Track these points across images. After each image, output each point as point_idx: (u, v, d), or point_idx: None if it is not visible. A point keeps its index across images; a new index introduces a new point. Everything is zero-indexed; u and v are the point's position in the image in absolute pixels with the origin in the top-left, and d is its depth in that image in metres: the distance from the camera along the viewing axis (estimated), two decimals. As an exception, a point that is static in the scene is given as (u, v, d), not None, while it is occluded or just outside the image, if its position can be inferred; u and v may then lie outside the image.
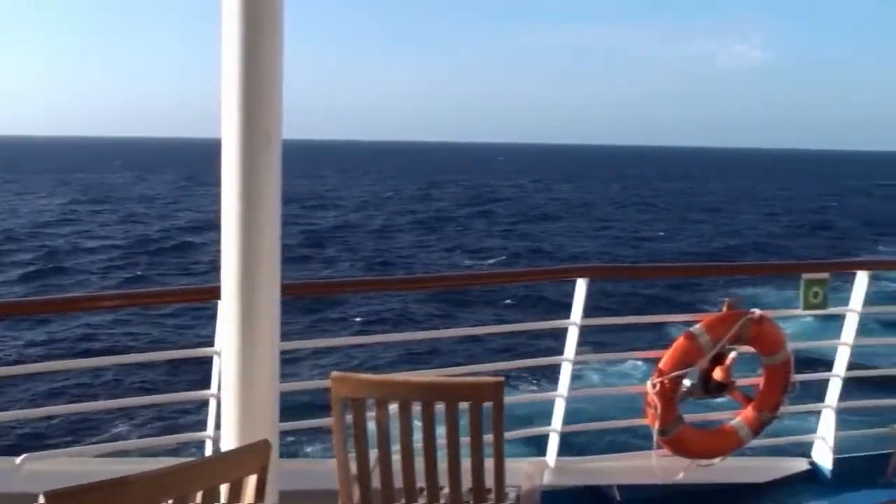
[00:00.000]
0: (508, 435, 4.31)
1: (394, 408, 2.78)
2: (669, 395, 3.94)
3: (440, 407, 2.78)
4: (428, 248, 36.45)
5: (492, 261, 32.78)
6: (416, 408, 2.79)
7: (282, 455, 2.82)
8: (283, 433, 2.90)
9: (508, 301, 22.47)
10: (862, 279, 4.47)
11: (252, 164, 2.56)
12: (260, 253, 2.61)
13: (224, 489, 2.09)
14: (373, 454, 2.86)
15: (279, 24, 2.54)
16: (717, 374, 4.04)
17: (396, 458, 2.84)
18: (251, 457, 2.18)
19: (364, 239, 39.28)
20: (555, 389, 4.19)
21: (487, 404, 2.78)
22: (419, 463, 2.84)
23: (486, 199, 63.94)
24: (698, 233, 43.86)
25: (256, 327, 2.65)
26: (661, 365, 3.95)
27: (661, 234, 42.86)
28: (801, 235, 43.07)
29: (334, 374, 2.81)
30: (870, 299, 4.49)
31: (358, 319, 20.42)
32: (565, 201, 62.82)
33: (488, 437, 2.85)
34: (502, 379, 2.80)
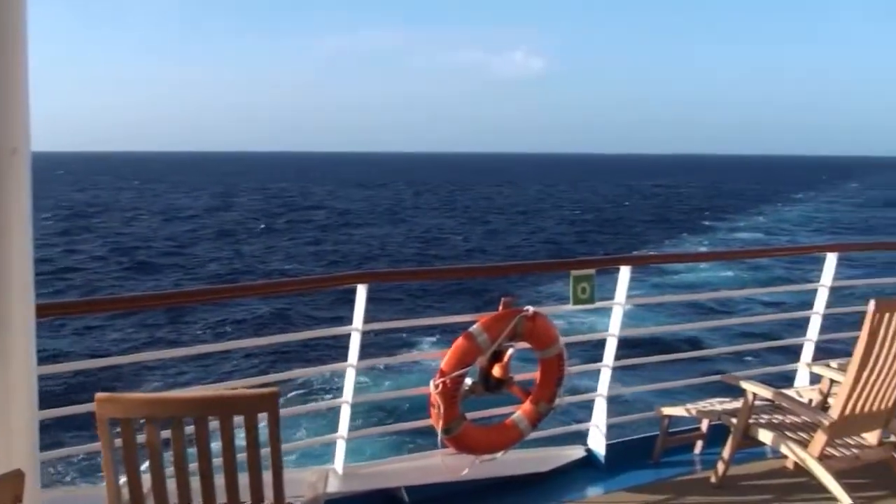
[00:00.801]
0: (298, 445, 4.32)
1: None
2: (451, 394, 4.03)
3: (216, 423, 2.73)
4: (246, 258, 35.68)
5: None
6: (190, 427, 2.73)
7: (47, 485, 2.69)
8: (51, 461, 2.77)
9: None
10: (625, 273, 4.80)
11: None
12: (9, 273, 2.46)
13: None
14: (146, 477, 2.78)
15: (22, 31, 2.41)
16: (497, 371, 4.18)
17: (171, 479, 2.77)
18: (1, 489, 2.08)
19: (179, 250, 37.95)
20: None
21: (263, 416, 2.76)
22: (195, 482, 2.78)
23: (291, 206, 63.38)
24: (500, 233, 45.59)
25: (9, 351, 2.50)
26: (442, 365, 4.04)
27: (461, 236, 44.15)
28: (594, 232, 45.75)
29: (99, 394, 2.69)
30: (659, 291, 4.85)
31: (201, 332, 19.82)
32: (368, 208, 63.29)
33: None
34: (277, 390, 2.78)
